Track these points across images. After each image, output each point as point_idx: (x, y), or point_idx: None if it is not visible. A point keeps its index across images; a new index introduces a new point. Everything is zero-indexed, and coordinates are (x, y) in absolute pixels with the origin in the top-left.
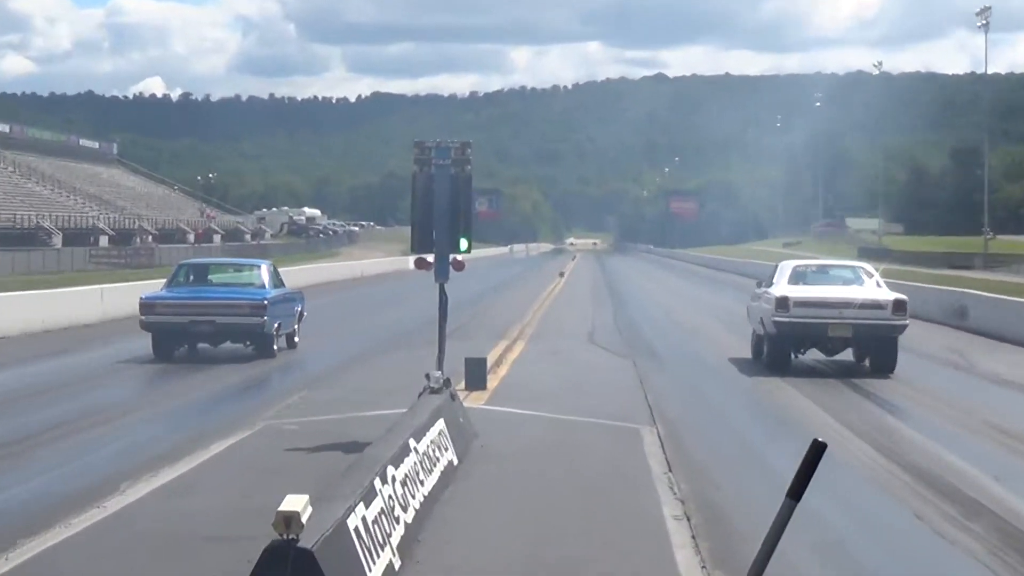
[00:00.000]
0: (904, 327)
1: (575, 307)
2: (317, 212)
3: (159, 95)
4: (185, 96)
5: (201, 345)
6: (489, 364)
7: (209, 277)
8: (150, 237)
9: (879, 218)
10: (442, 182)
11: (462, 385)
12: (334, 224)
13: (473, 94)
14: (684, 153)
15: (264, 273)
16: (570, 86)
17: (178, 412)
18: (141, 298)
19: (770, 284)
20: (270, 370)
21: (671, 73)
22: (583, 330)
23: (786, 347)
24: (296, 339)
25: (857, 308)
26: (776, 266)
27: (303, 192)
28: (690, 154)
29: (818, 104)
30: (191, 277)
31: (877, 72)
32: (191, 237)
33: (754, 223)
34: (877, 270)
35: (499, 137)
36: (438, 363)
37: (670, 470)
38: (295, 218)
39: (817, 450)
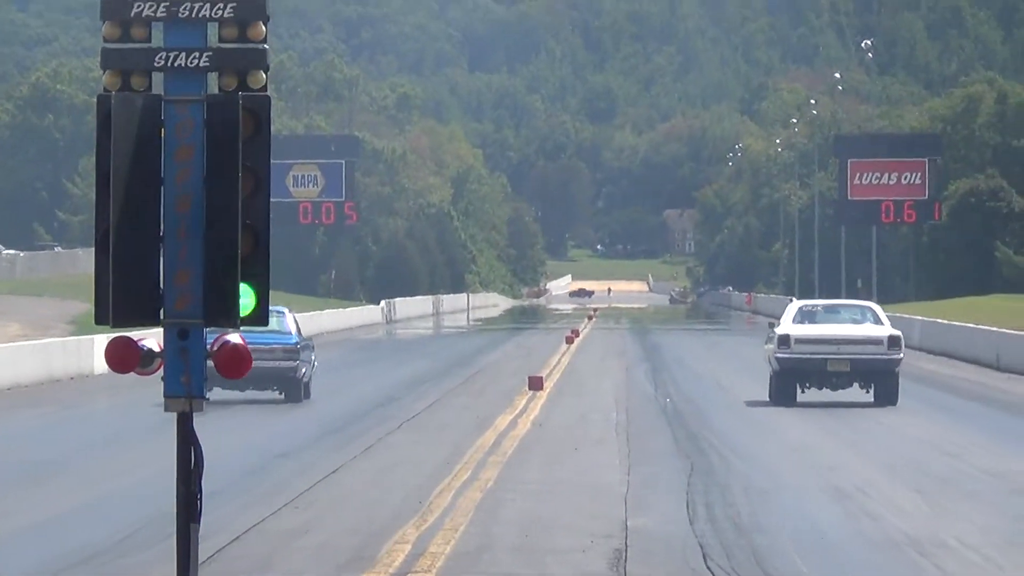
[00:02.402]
0: (899, 361)
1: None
2: None
3: None
4: None
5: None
6: None
7: None
8: None
9: None
10: (184, 130)
11: None
12: None
13: None
14: (884, 29)
15: (289, 319)
16: None
17: None
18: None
19: (779, 324)
20: None
21: None
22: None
23: (790, 382)
24: (311, 389)
25: (854, 344)
26: (787, 306)
27: None
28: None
29: None
30: None
31: None
32: None
33: None
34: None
35: None
36: None
37: None
38: None
39: None
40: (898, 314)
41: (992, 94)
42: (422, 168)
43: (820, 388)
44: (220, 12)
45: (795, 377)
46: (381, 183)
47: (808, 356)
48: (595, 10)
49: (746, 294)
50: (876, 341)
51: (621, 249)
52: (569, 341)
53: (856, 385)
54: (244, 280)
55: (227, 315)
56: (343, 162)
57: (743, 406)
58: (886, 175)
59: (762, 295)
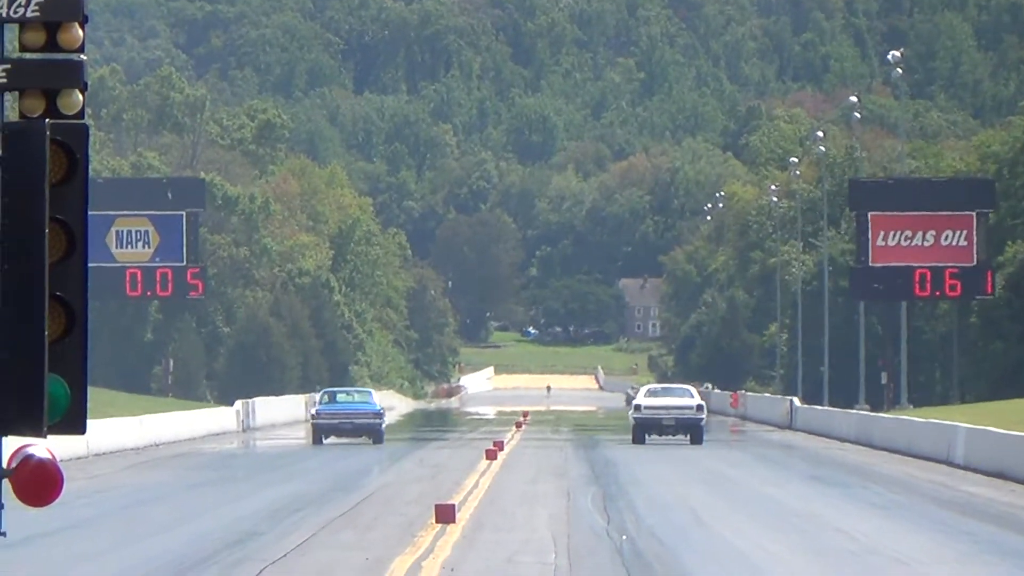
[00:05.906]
0: (703, 418)
1: None
2: None
3: None
4: None
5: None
6: None
7: (341, 397)
8: None
9: None
10: None
11: None
12: None
13: None
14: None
15: (374, 395)
16: None
17: None
18: (313, 411)
19: (635, 397)
20: None
21: None
22: None
23: (642, 432)
24: (383, 438)
25: (677, 409)
26: (639, 388)
27: None
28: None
29: None
30: (333, 398)
31: None
32: None
33: None
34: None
35: None
36: None
37: None
38: None
39: None
40: (934, 420)
41: None
42: (291, 223)
43: (661, 435)
44: (21, 10)
45: (645, 429)
46: (236, 243)
47: (651, 416)
48: (526, 8)
49: (731, 394)
50: (689, 407)
51: (561, 332)
52: (491, 457)
53: (681, 434)
54: (53, 373)
55: (30, 420)
56: (183, 214)
57: (729, 548)
58: (920, 234)
59: (754, 395)
